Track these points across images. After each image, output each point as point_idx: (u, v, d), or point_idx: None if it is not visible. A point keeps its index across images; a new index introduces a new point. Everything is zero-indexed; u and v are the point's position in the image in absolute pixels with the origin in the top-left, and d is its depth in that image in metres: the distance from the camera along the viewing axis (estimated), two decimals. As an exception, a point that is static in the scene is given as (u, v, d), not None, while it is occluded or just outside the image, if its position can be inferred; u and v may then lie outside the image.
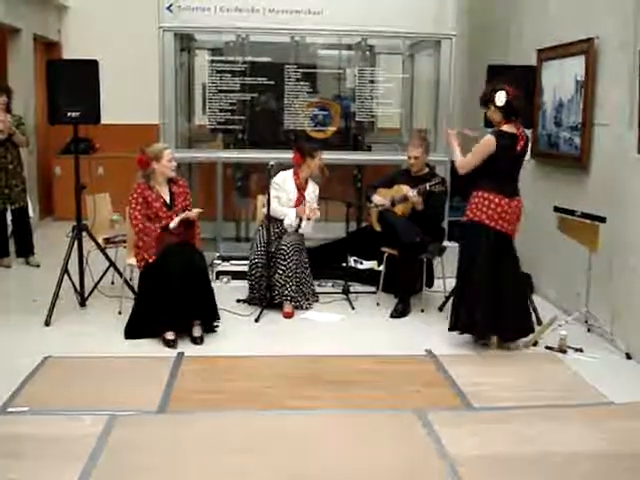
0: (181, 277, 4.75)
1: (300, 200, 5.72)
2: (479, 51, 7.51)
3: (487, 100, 4.69)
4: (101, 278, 5.80)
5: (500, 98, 4.58)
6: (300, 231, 5.73)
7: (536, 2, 6.26)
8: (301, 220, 5.68)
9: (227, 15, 6.38)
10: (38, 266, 6.83)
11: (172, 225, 4.90)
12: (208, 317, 4.96)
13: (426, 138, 6.05)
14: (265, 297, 5.53)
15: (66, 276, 5.40)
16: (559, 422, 3.77)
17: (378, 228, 5.88)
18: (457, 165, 4.82)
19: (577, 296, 5.25)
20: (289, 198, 5.70)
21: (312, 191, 5.82)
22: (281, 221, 5.70)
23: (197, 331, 4.87)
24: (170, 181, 5.03)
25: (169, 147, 5.17)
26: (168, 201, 4.98)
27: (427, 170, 5.82)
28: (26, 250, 6.94)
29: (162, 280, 4.77)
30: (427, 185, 5.48)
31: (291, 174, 5.76)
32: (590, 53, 5.16)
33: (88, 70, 5.21)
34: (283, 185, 5.73)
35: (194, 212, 5.02)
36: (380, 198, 5.79)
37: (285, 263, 5.49)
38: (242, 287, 5.89)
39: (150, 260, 4.84)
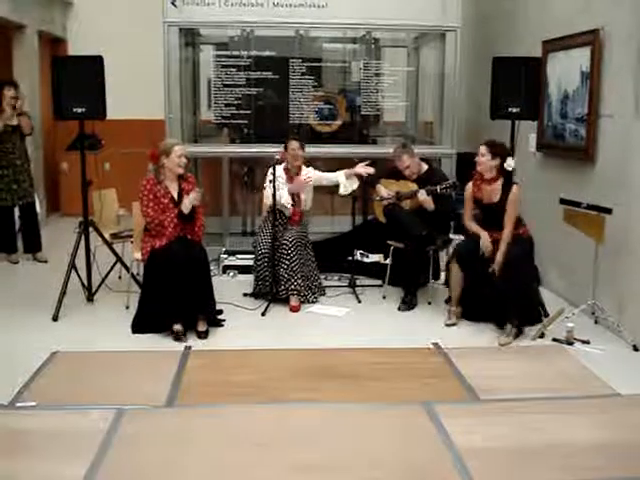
0: (182, 268, 4.78)
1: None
2: (484, 43, 7.49)
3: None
4: (108, 273, 5.82)
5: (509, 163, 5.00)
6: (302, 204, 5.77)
7: (541, -7, 6.24)
8: (295, 196, 5.71)
9: (232, 9, 6.39)
10: (45, 262, 6.86)
11: (185, 208, 4.88)
12: (210, 310, 4.98)
13: (405, 144, 6.01)
14: (271, 290, 5.55)
15: (73, 271, 5.42)
16: (566, 414, 3.78)
17: (383, 219, 5.87)
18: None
19: (584, 289, 5.24)
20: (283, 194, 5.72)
21: (305, 174, 5.81)
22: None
23: (202, 326, 4.88)
24: (180, 177, 5.03)
25: (181, 144, 5.09)
26: (176, 197, 4.98)
27: (426, 167, 5.81)
28: (33, 246, 6.97)
29: (164, 272, 4.79)
30: (438, 188, 5.44)
31: (281, 169, 5.76)
32: (595, 44, 5.13)
33: (93, 66, 5.23)
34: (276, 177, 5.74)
35: (194, 195, 4.94)
36: (385, 190, 5.79)
37: (289, 258, 5.51)
38: (248, 281, 5.90)
39: (160, 244, 4.86)
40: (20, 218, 6.96)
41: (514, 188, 5.01)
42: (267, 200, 5.72)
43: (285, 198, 5.68)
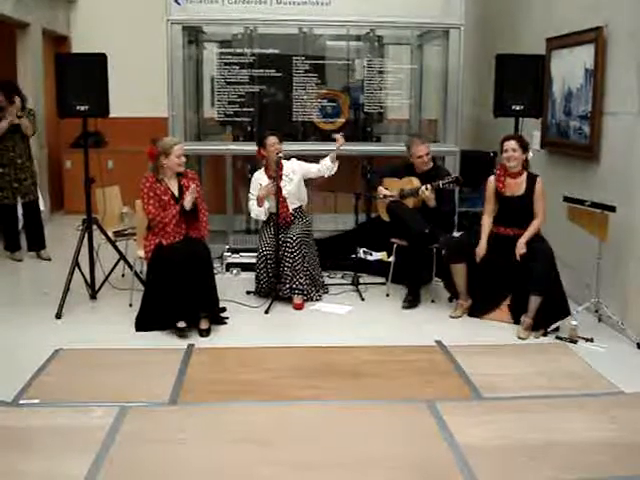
0: (186, 266, 4.79)
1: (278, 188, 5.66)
2: (488, 41, 7.48)
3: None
4: (111, 271, 5.83)
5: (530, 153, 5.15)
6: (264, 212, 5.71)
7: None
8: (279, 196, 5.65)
9: (235, 7, 6.38)
10: (49, 259, 6.87)
11: (187, 204, 4.89)
12: (212, 308, 4.98)
13: (419, 134, 5.99)
14: (274, 288, 5.54)
15: (77, 269, 5.43)
16: (569, 412, 3.77)
17: (386, 218, 5.87)
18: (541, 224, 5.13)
19: (587, 287, 5.22)
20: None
21: (292, 171, 5.75)
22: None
23: (204, 324, 4.88)
24: (179, 174, 5.04)
25: (180, 142, 5.13)
26: (177, 194, 4.98)
27: (431, 165, 5.81)
28: (37, 244, 6.97)
29: (167, 270, 4.80)
30: (440, 183, 5.44)
31: (262, 171, 5.77)
32: (599, 41, 5.12)
33: (97, 63, 5.23)
34: (256, 183, 5.73)
35: (192, 191, 4.95)
36: (387, 190, 5.78)
37: (292, 256, 5.50)
38: (252, 279, 5.89)
39: (166, 243, 4.87)
40: (23, 216, 6.96)
41: (539, 181, 5.08)
42: (253, 210, 5.74)
43: (255, 210, 5.70)
